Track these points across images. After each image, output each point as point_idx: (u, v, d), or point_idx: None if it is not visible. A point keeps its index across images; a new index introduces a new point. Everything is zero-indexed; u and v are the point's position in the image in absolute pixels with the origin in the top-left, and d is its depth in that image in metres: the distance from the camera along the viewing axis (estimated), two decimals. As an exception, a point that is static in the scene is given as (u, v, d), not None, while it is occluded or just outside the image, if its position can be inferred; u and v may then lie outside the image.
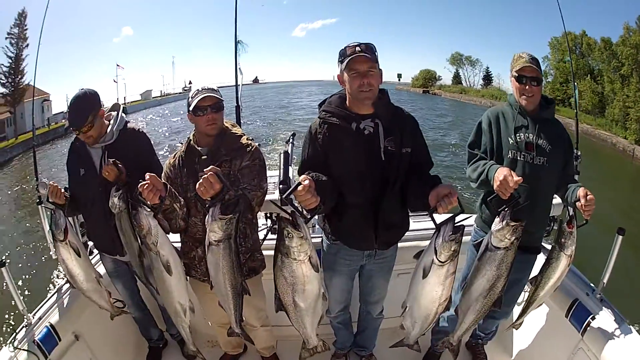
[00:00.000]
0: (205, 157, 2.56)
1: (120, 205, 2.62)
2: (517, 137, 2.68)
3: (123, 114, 3.06)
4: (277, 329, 3.16)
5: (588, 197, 2.39)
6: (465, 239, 2.34)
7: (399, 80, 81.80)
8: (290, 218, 1.93)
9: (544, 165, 2.65)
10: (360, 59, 2.29)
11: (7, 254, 10.85)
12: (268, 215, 3.35)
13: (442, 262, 2.01)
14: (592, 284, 3.02)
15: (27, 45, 40.93)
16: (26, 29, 40.80)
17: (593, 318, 2.82)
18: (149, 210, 2.23)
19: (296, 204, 2.08)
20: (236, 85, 3.42)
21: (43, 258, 9.50)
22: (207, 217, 2.09)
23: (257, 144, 2.69)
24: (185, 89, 74.97)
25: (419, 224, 2.87)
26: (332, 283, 2.81)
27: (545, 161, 2.65)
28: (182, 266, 2.41)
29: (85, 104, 2.86)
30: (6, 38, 40.10)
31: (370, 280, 2.86)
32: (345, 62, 2.31)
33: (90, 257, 3.24)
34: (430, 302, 2.14)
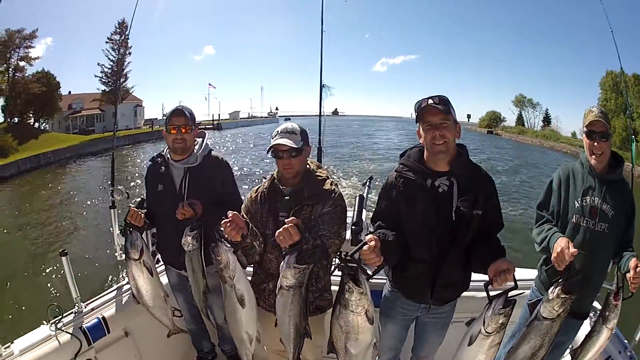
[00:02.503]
0: (287, 197, 2.70)
1: (193, 244, 2.82)
2: (583, 201, 2.76)
3: (208, 142, 3.31)
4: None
5: (638, 269, 2.45)
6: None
7: (468, 120, 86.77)
8: (353, 273, 2.08)
9: (604, 232, 2.72)
10: (432, 111, 2.41)
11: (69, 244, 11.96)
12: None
13: (489, 333, 2.13)
14: (625, 340, 3.06)
15: (130, 54, 46.55)
16: (128, 38, 49.24)
17: None
18: (229, 246, 2.42)
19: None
20: (319, 130, 3.61)
21: (105, 257, 10.25)
22: (282, 263, 2.27)
23: (340, 190, 2.79)
24: (271, 114, 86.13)
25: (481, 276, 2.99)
26: (386, 329, 2.93)
27: (607, 227, 2.72)
28: (255, 300, 2.58)
29: (189, 112, 3.17)
30: (106, 42, 47.49)
31: (423, 333, 2.97)
32: (419, 114, 2.46)
33: (157, 265, 3.46)
34: None
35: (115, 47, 48.59)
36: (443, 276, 2.59)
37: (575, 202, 2.77)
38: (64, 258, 3.19)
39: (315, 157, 3.02)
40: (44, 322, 3.16)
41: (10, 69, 41.57)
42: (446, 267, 2.55)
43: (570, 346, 2.96)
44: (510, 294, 2.13)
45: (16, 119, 41.21)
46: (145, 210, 3.14)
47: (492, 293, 2.18)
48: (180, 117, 3.14)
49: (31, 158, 31.97)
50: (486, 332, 2.13)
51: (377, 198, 2.80)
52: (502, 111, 78.24)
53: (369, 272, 2.17)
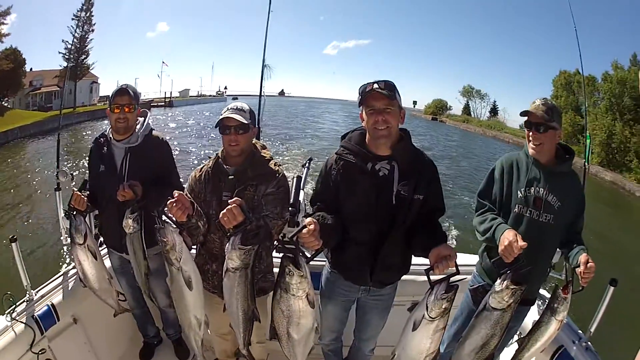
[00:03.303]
0: (231, 177, 2.69)
1: (134, 227, 2.79)
2: (527, 192, 2.74)
3: (149, 121, 3.25)
4: (270, 343, 3.26)
5: (589, 264, 2.47)
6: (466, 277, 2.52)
7: (414, 106, 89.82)
8: (293, 256, 2.09)
9: (549, 223, 2.71)
10: (377, 96, 2.37)
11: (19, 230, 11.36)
12: None
13: (432, 318, 2.13)
14: (580, 331, 3.11)
15: (93, 31, 48.48)
16: (93, 15, 47.99)
17: None
18: (175, 227, 2.37)
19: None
20: (259, 108, 3.58)
21: (51, 241, 9.97)
22: (227, 244, 2.24)
23: (284, 170, 2.80)
24: (219, 92, 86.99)
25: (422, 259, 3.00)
26: (327, 310, 2.95)
27: (552, 219, 2.71)
28: (201, 282, 2.54)
29: (134, 91, 3.11)
30: (72, 19, 47.12)
31: (365, 315, 2.97)
32: (363, 98, 2.42)
33: (100, 248, 3.39)
34: (417, 354, 2.24)
35: (80, 24, 47.72)
36: (382, 259, 2.59)
37: (519, 192, 2.75)
38: (13, 244, 3.10)
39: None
40: (2, 314, 3.08)
41: None
42: (385, 249, 2.55)
43: (518, 332, 2.99)
44: (452, 279, 2.13)
45: None
46: (88, 193, 3.06)
47: (433, 278, 2.18)
48: (124, 96, 3.08)
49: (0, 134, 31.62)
50: (429, 317, 2.13)
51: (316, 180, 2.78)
52: (449, 100, 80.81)
53: (308, 255, 2.17)
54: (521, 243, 2.32)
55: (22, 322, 3.02)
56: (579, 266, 2.49)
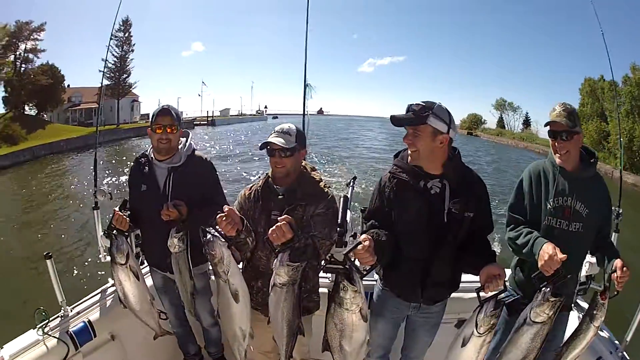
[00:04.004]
0: (281, 196, 2.72)
1: (180, 246, 2.78)
2: (556, 202, 2.72)
3: (192, 142, 3.26)
4: None
5: (625, 269, 2.47)
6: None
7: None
8: (347, 271, 2.11)
9: (578, 232, 2.70)
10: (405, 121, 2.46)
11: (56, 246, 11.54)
12: None
13: (481, 334, 2.22)
14: (616, 341, 3.08)
15: (132, 51, 52.33)
16: (131, 36, 51.58)
17: None
18: (223, 240, 2.39)
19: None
20: (304, 128, 3.51)
21: (91, 257, 10.09)
22: (275, 261, 2.27)
23: (333, 191, 2.79)
24: (259, 112, 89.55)
25: (467, 276, 2.94)
26: (377, 327, 2.89)
27: (581, 227, 2.70)
28: (249, 295, 2.54)
29: (176, 112, 3.11)
30: (111, 39, 45.07)
31: (414, 333, 2.97)
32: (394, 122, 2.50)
33: (142, 267, 3.37)
34: None
35: (119, 44, 51.16)
36: (433, 276, 2.61)
37: (547, 204, 2.74)
38: (48, 261, 3.11)
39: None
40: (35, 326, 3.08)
41: (19, 61, 43.25)
42: (437, 267, 2.58)
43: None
44: (500, 297, 2.23)
45: (20, 110, 42.41)
46: (129, 213, 3.04)
47: (481, 294, 2.27)
48: (166, 116, 3.08)
49: (45, 145, 34.71)
50: (478, 332, 2.21)
51: (370, 197, 2.81)
52: (483, 114, 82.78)
53: (363, 271, 2.19)
54: (561, 256, 2.33)
55: (55, 337, 3.02)
56: (615, 272, 2.49)
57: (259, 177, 2.92)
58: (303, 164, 2.85)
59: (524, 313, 2.32)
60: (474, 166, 2.83)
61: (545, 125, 2.73)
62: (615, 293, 2.48)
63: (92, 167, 4.06)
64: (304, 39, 4.42)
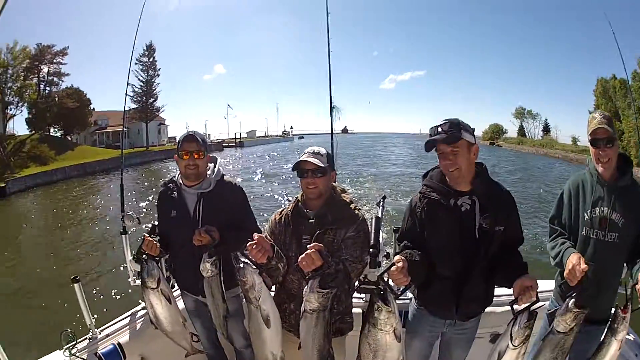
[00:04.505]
0: (312, 220, 2.71)
1: (212, 270, 2.78)
2: (593, 213, 2.72)
3: (220, 167, 3.26)
4: None
5: None
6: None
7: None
8: (382, 292, 2.13)
9: (614, 242, 2.68)
10: (440, 140, 2.49)
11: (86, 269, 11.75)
12: None
13: (516, 346, 2.22)
14: None
15: (158, 75, 54.19)
16: (156, 60, 53.31)
17: None
18: (254, 267, 2.39)
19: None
20: (332, 152, 3.45)
21: (120, 281, 9.82)
22: (305, 287, 2.28)
23: (364, 213, 2.77)
24: (285, 132, 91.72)
25: (499, 290, 2.89)
26: (412, 346, 2.92)
27: (617, 237, 2.68)
28: (280, 320, 2.54)
29: (202, 138, 3.13)
30: (136, 64, 50.62)
31: (449, 349, 2.97)
32: (432, 142, 2.53)
33: (173, 290, 3.39)
34: None
35: (144, 69, 53.19)
36: (467, 292, 2.62)
37: (585, 215, 2.75)
38: (76, 285, 3.15)
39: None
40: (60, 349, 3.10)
41: (42, 83, 44.64)
42: (470, 283, 2.59)
43: None
44: (533, 307, 2.23)
45: (45, 132, 43.69)
46: (158, 238, 3.06)
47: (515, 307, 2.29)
48: (192, 142, 3.09)
49: (77, 166, 36.41)
50: (513, 345, 2.22)
51: (401, 215, 2.85)
52: (504, 123, 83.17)
53: (397, 291, 2.23)
54: (583, 267, 2.37)
55: (82, 358, 3.03)
56: (637, 283, 2.44)
57: (289, 201, 2.94)
58: (333, 185, 2.85)
59: (552, 324, 2.32)
60: (497, 177, 2.78)
61: (590, 134, 2.70)
62: (639, 307, 2.42)
63: (119, 194, 4.04)
64: (325, 60, 4.48)
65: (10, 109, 41.28)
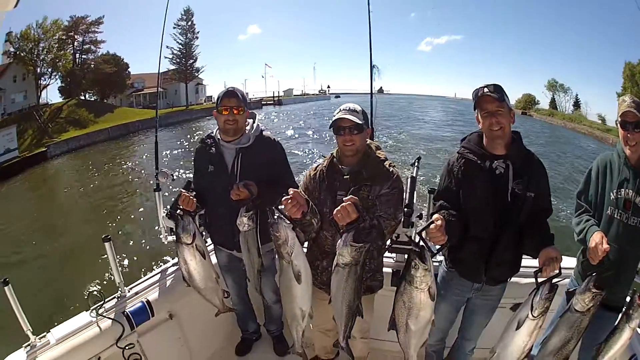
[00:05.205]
0: (347, 176, 2.70)
1: (249, 225, 2.76)
2: (618, 194, 2.67)
3: (259, 123, 3.22)
4: (372, 342, 3.24)
5: None
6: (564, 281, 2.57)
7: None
8: (419, 250, 2.13)
9: (636, 227, 2.61)
10: (487, 99, 2.51)
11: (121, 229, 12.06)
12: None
13: (535, 317, 2.26)
14: None
15: (197, 38, 54.89)
16: (194, 24, 54.61)
17: None
18: (288, 222, 2.37)
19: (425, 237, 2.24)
20: (371, 111, 3.45)
21: (151, 238, 10.34)
22: (339, 241, 2.26)
23: (398, 171, 2.75)
24: (322, 91, 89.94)
25: (524, 261, 2.88)
26: (439, 308, 2.84)
27: (639, 222, 2.61)
28: (311, 276, 2.52)
29: (241, 93, 3.08)
30: (174, 28, 52.25)
31: (472, 315, 3.02)
32: (477, 102, 2.56)
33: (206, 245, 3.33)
34: (517, 350, 2.36)
35: (183, 32, 53.58)
36: (497, 255, 2.64)
37: (611, 194, 2.70)
38: (107, 244, 3.14)
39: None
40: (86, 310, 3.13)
41: (78, 52, 45.17)
42: (500, 246, 2.62)
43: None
44: (555, 280, 2.26)
45: (82, 97, 44.71)
46: (195, 193, 3.03)
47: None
48: (232, 98, 3.03)
49: (120, 126, 37.21)
50: (533, 315, 2.26)
51: (438, 177, 2.88)
52: (537, 94, 79.68)
53: (434, 250, 2.23)
54: (605, 246, 2.35)
55: (110, 317, 3.05)
56: None
57: (323, 157, 2.90)
58: (368, 142, 2.81)
59: (570, 301, 2.33)
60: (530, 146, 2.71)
61: (620, 116, 2.62)
62: None
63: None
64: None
65: (45, 79, 41.73)
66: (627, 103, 2.58)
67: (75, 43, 44.36)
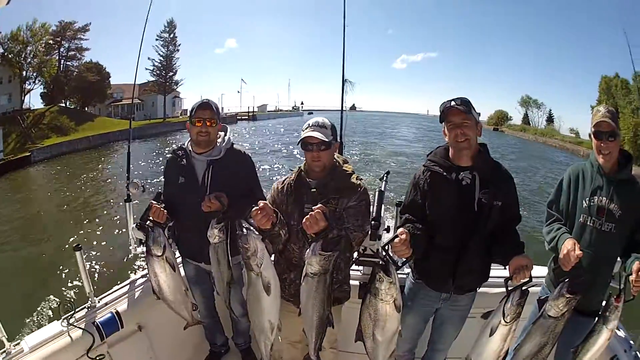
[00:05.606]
0: (314, 190, 2.70)
1: (220, 237, 2.74)
2: (591, 201, 2.73)
3: (230, 136, 3.23)
4: (342, 354, 3.25)
5: None
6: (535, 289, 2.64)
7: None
8: (384, 263, 2.15)
9: (611, 232, 2.68)
10: (454, 112, 2.55)
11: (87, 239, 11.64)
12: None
13: (507, 323, 2.27)
14: (631, 341, 3.07)
15: (178, 50, 54.98)
16: (176, 37, 54.80)
17: None
18: (257, 233, 2.37)
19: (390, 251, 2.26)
20: (341, 125, 3.54)
21: (121, 250, 9.99)
22: (307, 250, 2.25)
23: (365, 184, 2.78)
24: (295, 107, 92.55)
25: (493, 271, 2.91)
26: (407, 321, 2.88)
27: (614, 227, 2.68)
28: (279, 288, 2.52)
29: (215, 106, 3.09)
30: (156, 39, 52.54)
31: (442, 326, 3.01)
32: (443, 114, 2.59)
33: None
34: (492, 356, 2.36)
35: (165, 44, 54.20)
36: (464, 264, 2.66)
37: (584, 202, 2.76)
38: (77, 253, 3.07)
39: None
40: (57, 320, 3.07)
41: (63, 58, 45.45)
42: (467, 255, 2.64)
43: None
44: (525, 287, 2.28)
45: (63, 104, 44.59)
46: (164, 205, 3.00)
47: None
48: (206, 110, 3.05)
49: (101, 135, 37.44)
50: (505, 321, 2.27)
51: (405, 191, 2.88)
52: (509, 110, 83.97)
53: (398, 263, 2.24)
54: (578, 252, 2.39)
55: (80, 327, 3.00)
56: (631, 274, 2.42)
57: (291, 170, 2.89)
58: (335, 156, 2.82)
59: (543, 307, 2.34)
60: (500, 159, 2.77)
61: (594, 126, 2.69)
62: (632, 297, 2.42)
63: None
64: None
65: (29, 84, 41.73)
66: (602, 113, 2.65)
67: (61, 49, 44.41)
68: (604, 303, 2.61)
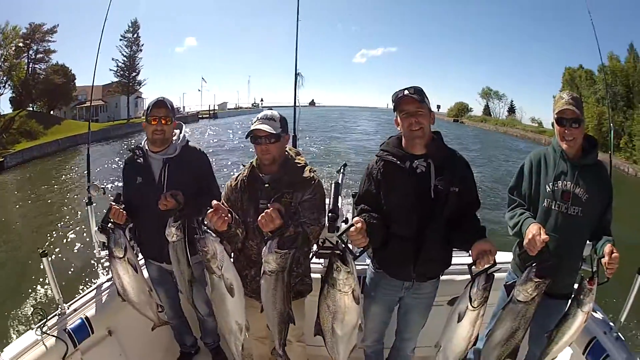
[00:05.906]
0: (267, 185, 2.67)
1: (178, 235, 2.71)
2: (555, 186, 2.72)
3: (185, 133, 3.20)
4: (311, 348, 3.23)
5: (613, 255, 2.39)
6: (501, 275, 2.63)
7: (438, 110, 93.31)
8: (341, 253, 2.12)
9: (577, 216, 2.68)
10: (408, 100, 2.51)
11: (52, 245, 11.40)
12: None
13: (475, 308, 2.25)
14: (611, 323, 3.04)
15: (141, 50, 53.98)
16: (139, 37, 53.67)
17: (607, 356, 2.86)
18: (215, 236, 2.33)
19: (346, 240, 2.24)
20: (294, 117, 3.54)
21: (85, 253, 9.97)
22: (264, 248, 2.24)
23: (319, 176, 2.76)
24: (255, 105, 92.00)
25: (456, 259, 2.91)
26: (371, 311, 2.92)
27: (580, 211, 2.67)
28: (242, 288, 2.50)
29: (170, 104, 3.08)
30: (120, 40, 51.63)
31: (407, 315, 2.98)
32: (396, 103, 2.55)
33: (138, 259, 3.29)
34: (462, 341, 2.35)
35: (128, 45, 53.13)
36: (425, 251, 2.63)
37: (547, 187, 2.75)
38: (44, 259, 3.00)
39: (290, 145, 2.98)
40: (32, 326, 3.00)
41: (32, 62, 44.14)
42: (427, 242, 2.61)
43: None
44: (490, 271, 2.25)
45: (31, 108, 43.43)
46: (124, 206, 2.96)
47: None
48: (162, 108, 3.03)
49: (70, 138, 36.32)
50: (472, 306, 2.25)
51: (359, 183, 2.85)
52: (470, 102, 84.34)
53: (355, 252, 2.22)
54: (544, 237, 2.36)
55: (53, 335, 2.94)
56: (603, 256, 2.43)
57: (243, 167, 2.86)
58: (287, 149, 2.80)
59: (512, 293, 2.34)
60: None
61: (557, 113, 2.67)
62: (606, 280, 2.43)
63: (87, 165, 3.94)
64: (294, 34, 4.36)
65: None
66: (565, 100, 2.64)
67: (30, 52, 43.18)
68: (576, 286, 2.63)
